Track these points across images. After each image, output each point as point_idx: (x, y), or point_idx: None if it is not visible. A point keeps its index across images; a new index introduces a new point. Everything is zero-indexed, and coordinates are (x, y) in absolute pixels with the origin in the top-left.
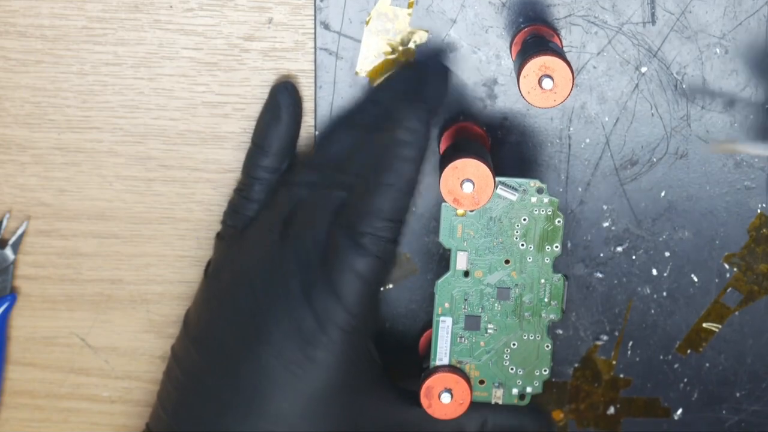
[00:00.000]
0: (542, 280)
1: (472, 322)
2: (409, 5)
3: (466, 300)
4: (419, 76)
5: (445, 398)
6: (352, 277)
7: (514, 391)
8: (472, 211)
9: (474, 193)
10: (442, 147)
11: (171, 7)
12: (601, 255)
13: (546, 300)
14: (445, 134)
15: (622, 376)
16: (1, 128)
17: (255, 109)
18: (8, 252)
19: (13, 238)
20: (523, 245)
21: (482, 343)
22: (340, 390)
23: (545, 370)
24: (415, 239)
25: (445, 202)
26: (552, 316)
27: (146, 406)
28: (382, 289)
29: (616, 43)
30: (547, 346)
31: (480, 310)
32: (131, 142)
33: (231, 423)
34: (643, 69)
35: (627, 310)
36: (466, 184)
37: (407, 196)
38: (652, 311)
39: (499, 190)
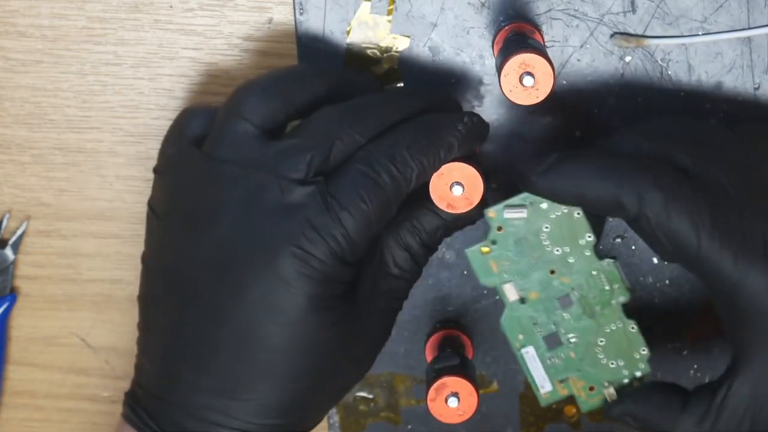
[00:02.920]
0: (593, 272)
1: (552, 341)
2: (389, 12)
3: (535, 324)
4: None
5: (452, 402)
6: (357, 199)
7: (625, 382)
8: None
9: (465, 195)
10: None
11: (171, 7)
12: (601, 247)
13: (607, 288)
14: None
15: None
16: (1, 128)
17: None
18: (8, 252)
19: (13, 238)
20: (558, 251)
21: (572, 354)
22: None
23: (643, 350)
24: None
25: (468, 248)
26: (621, 299)
27: None
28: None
29: (598, 34)
30: (633, 328)
31: (553, 327)
32: (131, 142)
33: (226, 361)
34: (628, 58)
35: (633, 300)
36: (455, 187)
37: (440, 160)
38: (656, 300)
39: (507, 214)
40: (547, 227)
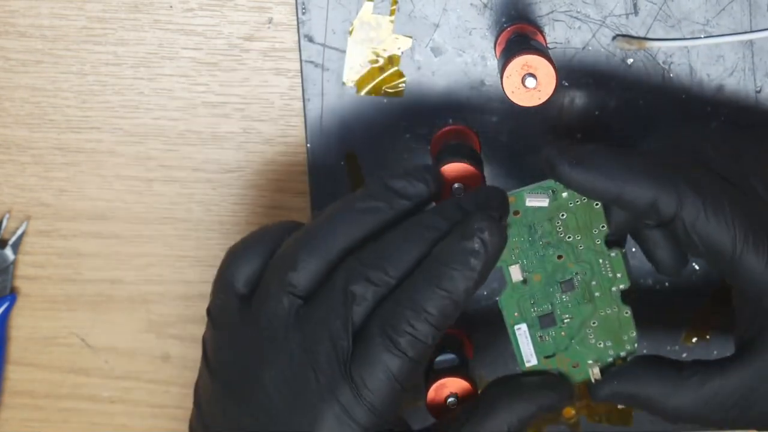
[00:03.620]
0: (600, 260)
1: (547, 320)
2: (391, 12)
3: (533, 303)
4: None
5: (452, 402)
6: (382, 376)
7: (610, 360)
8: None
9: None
10: (433, 151)
11: (171, 7)
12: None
13: (610, 275)
14: (435, 138)
15: None
16: (1, 128)
17: (255, 109)
18: (8, 252)
19: (13, 238)
20: (570, 237)
21: (563, 333)
22: None
23: (632, 333)
24: None
25: None
26: (621, 286)
27: (146, 406)
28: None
29: (600, 36)
30: (627, 313)
31: (550, 307)
32: (131, 142)
33: None
34: (630, 61)
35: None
36: (455, 188)
37: (457, 310)
38: (656, 301)
39: (529, 202)
40: (563, 215)
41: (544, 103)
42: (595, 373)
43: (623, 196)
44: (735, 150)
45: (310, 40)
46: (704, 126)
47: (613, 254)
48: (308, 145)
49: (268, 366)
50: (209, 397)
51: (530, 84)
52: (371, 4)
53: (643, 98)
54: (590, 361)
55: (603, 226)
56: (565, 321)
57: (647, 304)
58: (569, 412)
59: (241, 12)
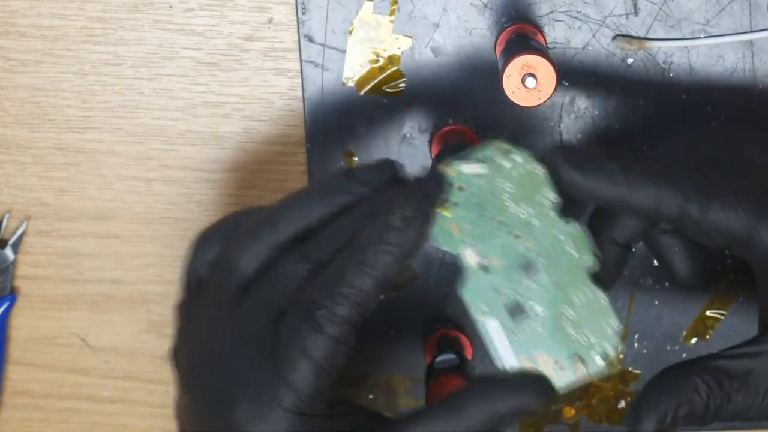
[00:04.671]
0: (560, 236)
1: (517, 311)
2: (391, 12)
3: (499, 294)
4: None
5: None
6: (300, 355)
7: (597, 359)
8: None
9: None
10: (434, 151)
11: (171, 7)
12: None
13: (575, 255)
14: (435, 138)
15: (630, 369)
16: (1, 128)
17: (255, 109)
18: (8, 252)
19: (13, 238)
20: (522, 213)
21: (540, 328)
22: None
23: (614, 323)
24: None
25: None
26: (589, 266)
27: (146, 406)
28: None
29: (600, 36)
30: (603, 299)
31: (518, 297)
32: (131, 142)
33: None
34: (630, 60)
35: (630, 302)
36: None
37: (378, 287)
38: (656, 302)
39: (465, 168)
40: (510, 188)
41: (544, 102)
42: (580, 371)
43: (627, 199)
44: (736, 143)
45: (310, 40)
46: (704, 126)
47: (572, 228)
48: (308, 145)
49: (211, 353)
50: (179, 390)
51: (530, 84)
52: (371, 4)
53: (643, 98)
54: (574, 357)
55: (554, 197)
56: (538, 312)
57: (647, 304)
58: (569, 412)
59: (241, 12)
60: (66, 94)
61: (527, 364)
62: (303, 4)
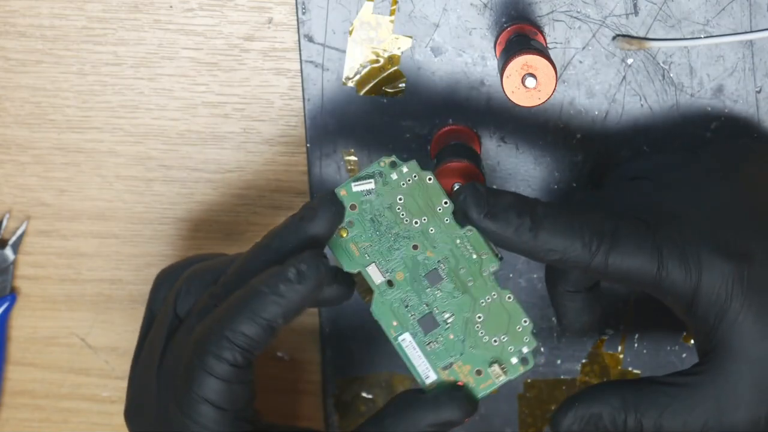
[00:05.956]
0: (457, 241)
1: (428, 322)
2: (391, 12)
3: (407, 307)
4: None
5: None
6: (195, 397)
7: (513, 360)
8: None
9: None
10: (433, 151)
11: (171, 7)
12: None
13: (475, 257)
14: (435, 138)
15: (630, 369)
16: (1, 128)
17: (255, 109)
18: (8, 252)
19: (13, 238)
20: (417, 222)
21: (451, 336)
22: None
23: (525, 321)
24: None
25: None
26: (492, 267)
27: None
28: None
29: (600, 36)
30: (509, 298)
31: (426, 308)
32: (131, 142)
33: None
34: (630, 60)
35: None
36: (455, 188)
37: (264, 334)
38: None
39: (355, 187)
40: (401, 198)
41: (544, 102)
42: (497, 374)
43: (535, 250)
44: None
45: (310, 40)
46: (693, 152)
47: (466, 231)
48: (308, 145)
49: (145, 399)
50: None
51: (530, 84)
52: (371, 4)
53: (643, 98)
54: (490, 363)
55: (446, 203)
56: (448, 321)
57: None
58: None
59: (241, 12)
60: (66, 94)
61: (445, 375)
62: (303, 4)
